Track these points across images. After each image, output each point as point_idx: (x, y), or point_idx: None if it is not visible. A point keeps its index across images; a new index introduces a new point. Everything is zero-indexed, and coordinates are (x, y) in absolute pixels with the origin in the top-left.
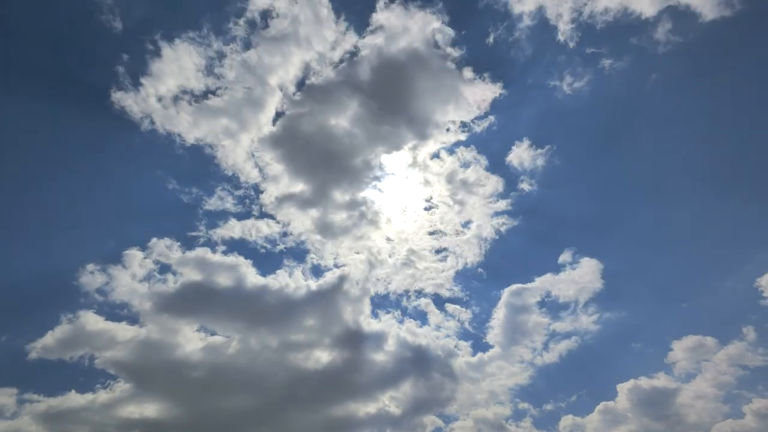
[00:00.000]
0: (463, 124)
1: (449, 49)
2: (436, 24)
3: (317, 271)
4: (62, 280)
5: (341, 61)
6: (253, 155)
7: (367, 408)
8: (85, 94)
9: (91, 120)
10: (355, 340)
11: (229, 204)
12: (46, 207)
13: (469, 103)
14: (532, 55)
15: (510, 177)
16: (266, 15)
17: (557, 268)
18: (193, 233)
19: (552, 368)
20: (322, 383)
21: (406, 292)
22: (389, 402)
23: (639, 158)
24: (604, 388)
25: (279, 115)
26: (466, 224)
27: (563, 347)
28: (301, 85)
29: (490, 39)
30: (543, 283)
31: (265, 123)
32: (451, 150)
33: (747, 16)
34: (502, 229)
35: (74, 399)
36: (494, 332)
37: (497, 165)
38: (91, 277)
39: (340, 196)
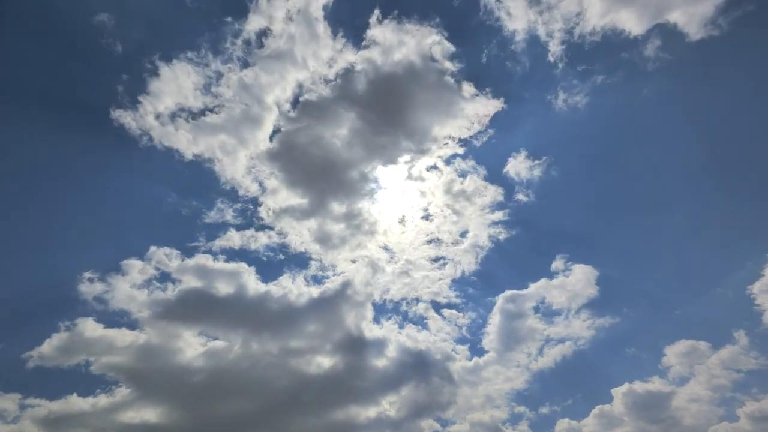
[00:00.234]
0: (461, 140)
1: (445, 64)
2: (431, 39)
3: (317, 279)
4: (64, 289)
5: (337, 77)
6: (252, 170)
7: (367, 412)
8: (86, 112)
9: (91, 136)
10: (353, 345)
11: (229, 216)
12: (49, 219)
13: (464, 116)
14: (525, 70)
15: (506, 187)
16: (263, 34)
17: (552, 275)
18: (194, 243)
19: (547, 373)
20: (322, 388)
21: (404, 299)
22: (389, 406)
23: (632, 169)
24: (599, 392)
25: (276, 131)
26: (463, 233)
27: (558, 352)
28: (298, 101)
29: (484, 54)
30: (538, 289)
31: (262, 139)
32: (448, 161)
33: (733, 37)
34: (498, 237)
35: (75, 404)
36: (490, 337)
37: (494, 175)
38: (92, 286)
39: (338, 207)
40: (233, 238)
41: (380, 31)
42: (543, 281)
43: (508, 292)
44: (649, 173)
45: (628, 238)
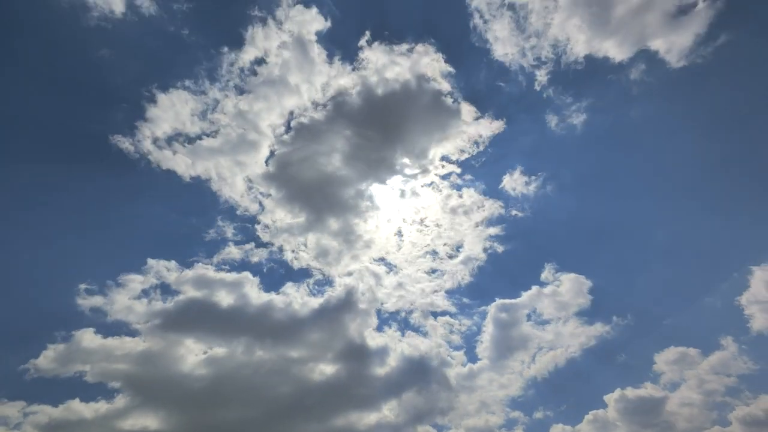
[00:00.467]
0: (458, 160)
1: (439, 84)
2: (424, 60)
3: (316, 291)
4: (65, 302)
5: (331, 100)
6: (249, 191)
7: (364, 418)
8: (86, 137)
9: (91, 159)
10: (351, 353)
11: (229, 233)
12: (52, 237)
13: (458, 135)
14: (517, 92)
15: (502, 201)
16: (258, 63)
17: (544, 284)
18: (193, 258)
19: (540, 379)
20: (321, 394)
21: (401, 309)
22: (388, 412)
23: (622, 185)
24: (592, 398)
25: (272, 154)
26: (459, 246)
27: (550, 359)
28: (292, 125)
29: (476, 75)
30: (531, 298)
31: (259, 162)
32: (444, 177)
33: (713, 64)
34: (492, 249)
35: (76, 410)
36: (485, 345)
37: (490, 191)
38: (93, 298)
39: (337, 223)
40: (233, 253)
41: (372, 53)
42: (536, 290)
43: (502, 301)
44: (639, 189)
45: (619, 250)
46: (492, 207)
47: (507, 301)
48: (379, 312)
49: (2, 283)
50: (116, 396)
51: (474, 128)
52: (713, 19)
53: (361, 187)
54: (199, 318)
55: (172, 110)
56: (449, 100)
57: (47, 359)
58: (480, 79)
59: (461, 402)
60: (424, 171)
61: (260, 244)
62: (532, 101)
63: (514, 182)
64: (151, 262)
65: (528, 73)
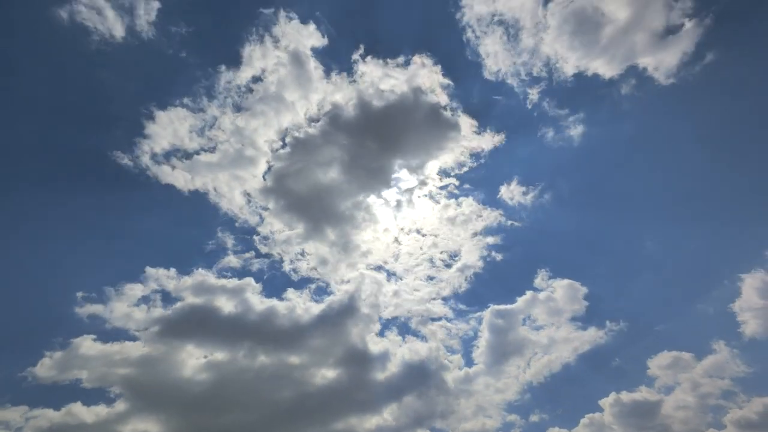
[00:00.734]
0: (455, 168)
1: (435, 97)
2: (420, 73)
3: (315, 298)
4: (65, 310)
5: (327, 114)
6: (248, 204)
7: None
8: (86, 153)
9: (91, 175)
10: (349, 359)
11: (229, 244)
12: (55, 249)
13: (456, 146)
14: (510, 106)
15: (499, 209)
16: (255, 80)
17: (540, 290)
18: (193, 267)
19: (536, 384)
20: (321, 399)
21: (400, 315)
22: (388, 416)
23: (616, 196)
24: (588, 402)
25: (270, 168)
26: (456, 253)
27: (546, 363)
28: (290, 140)
29: (471, 89)
30: (526, 303)
31: (256, 176)
32: (442, 187)
33: (700, 82)
34: (490, 257)
35: (77, 414)
36: (482, 350)
37: (488, 200)
38: (94, 306)
39: (337, 233)
40: (232, 262)
41: (369, 67)
42: (532, 296)
43: (498, 307)
44: (631, 199)
45: (613, 258)
46: (489, 215)
47: (503, 306)
48: (378, 318)
49: (7, 292)
50: (117, 401)
51: (471, 141)
52: (700, 38)
53: (359, 199)
54: (199, 324)
55: (170, 127)
56: (446, 113)
57: (48, 365)
58: (475, 93)
59: (459, 406)
60: (422, 183)
61: (260, 255)
62: (527, 115)
63: (511, 192)
64: (150, 270)
65: (521, 89)
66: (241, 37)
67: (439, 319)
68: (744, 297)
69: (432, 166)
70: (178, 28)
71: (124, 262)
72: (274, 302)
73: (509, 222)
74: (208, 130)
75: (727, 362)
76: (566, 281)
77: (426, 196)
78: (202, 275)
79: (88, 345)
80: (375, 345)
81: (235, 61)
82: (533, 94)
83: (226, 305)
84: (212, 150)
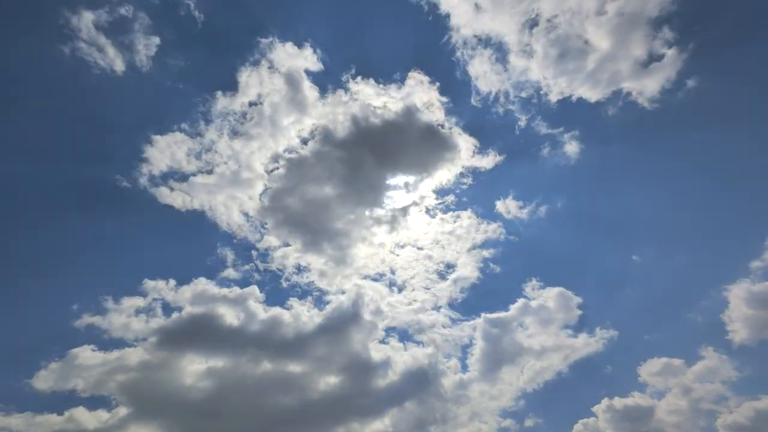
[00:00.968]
0: (449, 186)
1: (431, 115)
2: (419, 92)
3: (313, 308)
4: (67, 321)
5: (326, 133)
6: (246, 221)
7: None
8: (87, 176)
9: (92, 198)
10: (347, 367)
11: (228, 260)
12: (57, 265)
13: (451, 163)
14: (501, 125)
15: (495, 222)
16: (252, 104)
17: (533, 299)
18: (194, 279)
19: (530, 390)
20: (316, 407)
21: (397, 323)
22: (388, 421)
23: (608, 209)
24: (581, 407)
25: (267, 189)
26: (452, 265)
27: (539, 371)
28: (287, 160)
29: (464, 109)
30: (521, 311)
31: (254, 197)
32: (439, 200)
33: (684, 107)
34: (484, 266)
35: (78, 420)
36: (476, 358)
37: (484, 213)
38: (95, 318)
39: (334, 245)
40: (231, 274)
41: (364, 87)
42: (525, 305)
43: (493, 315)
44: (622, 214)
45: (604, 269)
46: (484, 228)
47: (497, 315)
48: (375, 327)
49: (11, 306)
50: (117, 409)
51: (467, 157)
52: (682, 66)
53: (358, 214)
54: (199, 332)
55: (168, 151)
56: (442, 129)
57: (50, 374)
58: (469, 111)
59: (454, 412)
60: (418, 198)
61: (258, 269)
62: (518, 134)
63: (506, 206)
64: (150, 283)
65: (511, 108)
66: (237, 64)
67: (435, 327)
68: (732, 305)
69: (427, 182)
70: (177, 61)
71: (124, 276)
72: (273, 312)
73: (504, 235)
74: (206, 154)
75: (716, 368)
76: (559, 290)
77: (423, 211)
78: (203, 284)
79: (87, 354)
80: (374, 353)
81: (231, 87)
82: (523, 114)
83: (227, 314)
84: (210, 172)
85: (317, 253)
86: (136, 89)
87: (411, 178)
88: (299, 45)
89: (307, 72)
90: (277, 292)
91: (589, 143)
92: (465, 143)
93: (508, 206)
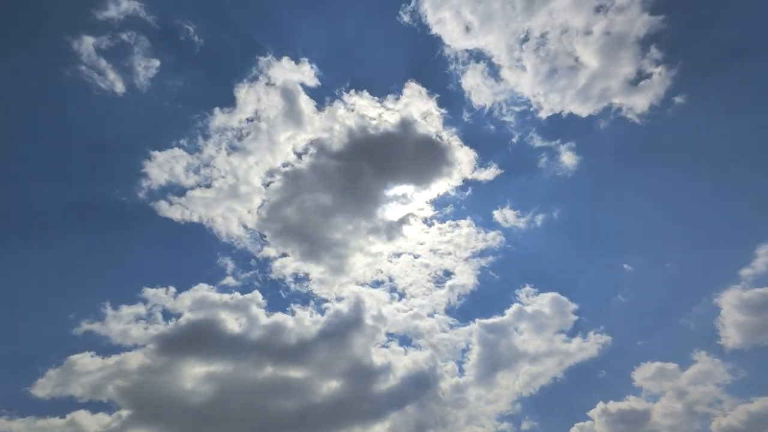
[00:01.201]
0: (442, 197)
1: (431, 126)
2: (417, 104)
3: (312, 314)
4: (69, 328)
5: (324, 146)
6: (245, 232)
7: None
8: (88, 192)
9: (92, 212)
10: (346, 372)
11: (228, 269)
12: (59, 275)
13: (447, 171)
14: (498, 138)
15: (492, 230)
16: (250, 119)
17: (529, 305)
18: (194, 286)
19: (526, 394)
20: (319, 410)
21: (396, 328)
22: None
23: (602, 219)
24: (577, 411)
25: (264, 202)
26: (450, 272)
27: (534, 375)
28: (284, 174)
29: (460, 120)
30: (516, 317)
31: (252, 210)
32: (436, 210)
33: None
34: (481, 272)
35: (79, 425)
36: (473, 363)
37: (482, 222)
38: (94, 324)
39: (334, 254)
40: (231, 282)
41: (361, 100)
42: (521, 310)
43: (489, 321)
44: (615, 224)
45: (597, 275)
46: (482, 237)
47: (494, 320)
48: (375, 331)
49: (13, 315)
50: (119, 415)
51: (464, 167)
52: (670, 85)
53: (356, 223)
54: (199, 337)
55: (167, 165)
56: (439, 140)
57: (51, 381)
58: (464, 123)
59: (453, 416)
60: (417, 210)
61: (257, 278)
62: (513, 147)
63: (504, 216)
64: (150, 290)
65: (505, 121)
66: (234, 81)
67: (433, 333)
68: (724, 311)
69: (425, 192)
70: (176, 81)
71: (123, 285)
72: (273, 318)
73: (501, 244)
74: (204, 168)
75: (710, 372)
76: (554, 297)
77: (421, 220)
78: (203, 290)
79: (87, 361)
80: (373, 358)
81: (229, 103)
82: (517, 126)
83: (227, 319)
84: (208, 186)
85: (316, 262)
86: (136, 109)
87: (409, 188)
88: (296, 61)
89: (304, 86)
90: (276, 299)
91: (582, 155)
92: (462, 154)
93: (505, 215)
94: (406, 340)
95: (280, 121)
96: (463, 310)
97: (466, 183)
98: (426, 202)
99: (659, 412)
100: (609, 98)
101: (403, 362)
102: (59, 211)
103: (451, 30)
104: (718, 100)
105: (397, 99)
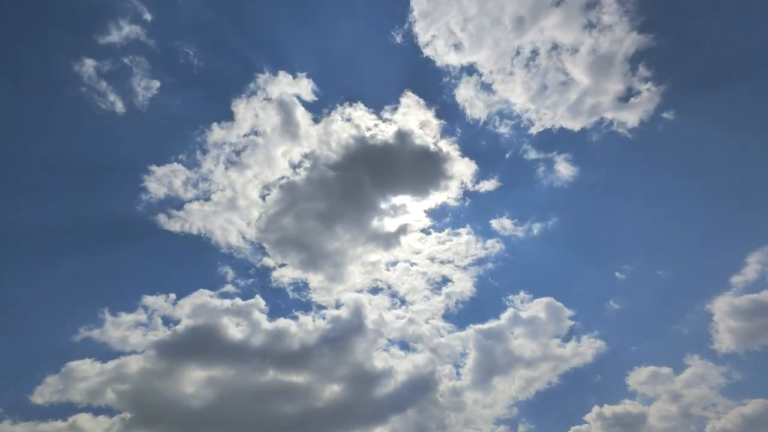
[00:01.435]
0: (439, 206)
1: (427, 137)
2: (414, 114)
3: (315, 320)
4: (70, 335)
5: (321, 158)
6: (244, 242)
7: None
8: (88, 207)
9: (93, 227)
10: (343, 378)
11: (228, 278)
12: (60, 285)
13: (444, 181)
14: (493, 150)
15: (489, 238)
16: (248, 134)
17: (525, 311)
18: (194, 293)
19: (522, 398)
20: (320, 414)
21: (394, 334)
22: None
23: (598, 228)
24: (573, 415)
25: (262, 215)
26: (447, 280)
27: (530, 380)
28: (282, 187)
29: (455, 131)
30: (512, 322)
31: (251, 222)
32: (435, 219)
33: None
34: (480, 282)
35: (81, 429)
36: (471, 368)
37: (480, 230)
38: (94, 331)
39: (333, 262)
40: (230, 289)
41: (357, 112)
42: (518, 316)
43: (486, 326)
44: (608, 234)
45: (594, 284)
46: (480, 246)
47: (491, 326)
48: (373, 336)
49: (14, 323)
50: (121, 418)
51: (462, 178)
52: (659, 101)
53: (355, 233)
54: (199, 342)
55: (166, 180)
56: (436, 150)
57: (51, 387)
58: (459, 134)
59: (451, 419)
60: (415, 219)
61: (257, 285)
62: (510, 158)
63: (501, 224)
64: (150, 298)
65: (498, 133)
66: (233, 97)
67: (431, 338)
68: (716, 317)
69: (423, 202)
70: (175, 100)
71: (123, 294)
72: (273, 324)
73: (498, 252)
74: (203, 182)
75: (704, 375)
76: (550, 303)
77: (419, 229)
78: (203, 296)
79: (87, 367)
80: (373, 363)
81: (227, 118)
82: (512, 138)
83: (228, 325)
84: (207, 199)
85: (316, 271)
86: (136, 127)
87: (407, 198)
88: (294, 75)
89: (300, 99)
90: (276, 306)
91: (576, 166)
92: (460, 164)
93: (503, 224)
94: (404, 346)
95: (277, 134)
96: (461, 316)
97: (464, 193)
98: (424, 211)
99: (654, 415)
100: (600, 113)
101: (402, 367)
102: (60, 226)
103: (442, 49)
104: (706, 118)
105: (395, 109)
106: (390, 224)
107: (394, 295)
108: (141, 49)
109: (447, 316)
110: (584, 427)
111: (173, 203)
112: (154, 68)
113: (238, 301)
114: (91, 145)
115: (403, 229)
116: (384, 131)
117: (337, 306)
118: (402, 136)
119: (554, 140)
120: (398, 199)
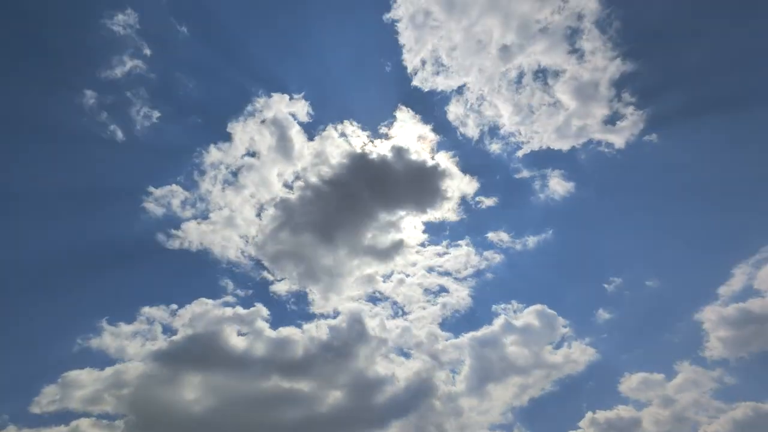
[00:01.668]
0: (438, 224)
1: (423, 152)
2: (411, 129)
3: (314, 328)
4: (71, 344)
5: (320, 174)
6: (242, 257)
7: None
8: (89, 229)
9: (92, 246)
10: (342, 384)
11: (228, 289)
12: (62, 295)
13: (439, 194)
14: (489, 163)
15: (486, 250)
16: (245, 155)
17: (519, 318)
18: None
19: (517, 404)
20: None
21: (392, 340)
22: None
23: (590, 241)
24: (567, 421)
25: (260, 232)
26: (444, 289)
27: (525, 386)
28: (280, 203)
29: (448, 147)
30: (507, 329)
31: (250, 239)
32: (431, 233)
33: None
34: (475, 292)
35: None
36: (467, 375)
37: (479, 243)
38: (94, 340)
39: (331, 272)
40: (230, 300)
41: (351, 128)
42: (512, 325)
43: (481, 333)
44: (597, 247)
45: (586, 294)
46: (477, 259)
47: (486, 333)
48: (371, 343)
49: (15, 334)
50: (124, 422)
51: (457, 192)
52: (644, 125)
53: (352, 246)
54: (199, 351)
55: (164, 200)
56: (433, 165)
57: (51, 396)
58: (454, 149)
59: (447, 426)
60: (411, 234)
61: (256, 295)
62: (502, 174)
63: (498, 237)
64: (149, 310)
65: (489, 150)
66: (230, 119)
67: (429, 346)
68: (706, 326)
69: (420, 215)
70: (174, 127)
71: (123, 306)
72: (274, 333)
73: (494, 263)
74: (200, 202)
75: (694, 381)
76: (544, 312)
77: (416, 242)
78: (203, 304)
79: (86, 375)
80: (372, 371)
81: (224, 139)
82: (502, 155)
83: (228, 332)
84: (205, 218)
85: (315, 283)
86: (135, 153)
87: (403, 213)
88: (290, 96)
89: (296, 118)
90: (276, 316)
91: (568, 183)
92: (455, 179)
93: (500, 237)
94: (402, 353)
95: (273, 153)
96: (457, 325)
97: (460, 207)
98: (420, 224)
99: (647, 419)
100: (588, 135)
101: (400, 375)
102: (63, 247)
103: (431, 76)
104: (691, 145)
105: (391, 124)
106: (386, 238)
107: (393, 304)
108: (141, 81)
109: (443, 325)
110: None
111: (172, 222)
112: (153, 99)
113: (240, 309)
114: (92, 171)
115: (400, 243)
116: (380, 146)
117: (335, 315)
118: (398, 151)
119: (545, 158)
120: (395, 214)
